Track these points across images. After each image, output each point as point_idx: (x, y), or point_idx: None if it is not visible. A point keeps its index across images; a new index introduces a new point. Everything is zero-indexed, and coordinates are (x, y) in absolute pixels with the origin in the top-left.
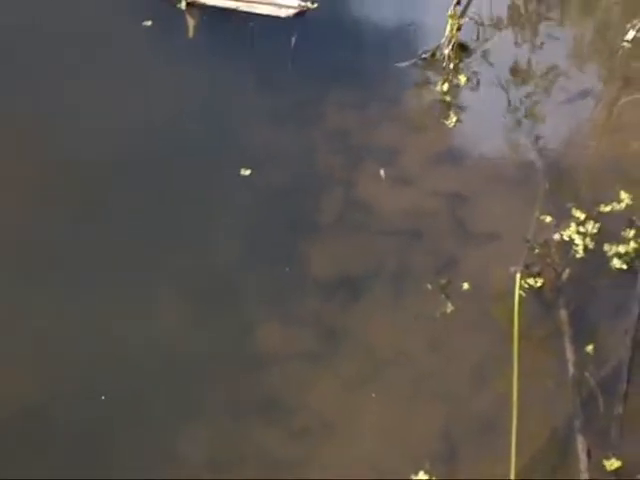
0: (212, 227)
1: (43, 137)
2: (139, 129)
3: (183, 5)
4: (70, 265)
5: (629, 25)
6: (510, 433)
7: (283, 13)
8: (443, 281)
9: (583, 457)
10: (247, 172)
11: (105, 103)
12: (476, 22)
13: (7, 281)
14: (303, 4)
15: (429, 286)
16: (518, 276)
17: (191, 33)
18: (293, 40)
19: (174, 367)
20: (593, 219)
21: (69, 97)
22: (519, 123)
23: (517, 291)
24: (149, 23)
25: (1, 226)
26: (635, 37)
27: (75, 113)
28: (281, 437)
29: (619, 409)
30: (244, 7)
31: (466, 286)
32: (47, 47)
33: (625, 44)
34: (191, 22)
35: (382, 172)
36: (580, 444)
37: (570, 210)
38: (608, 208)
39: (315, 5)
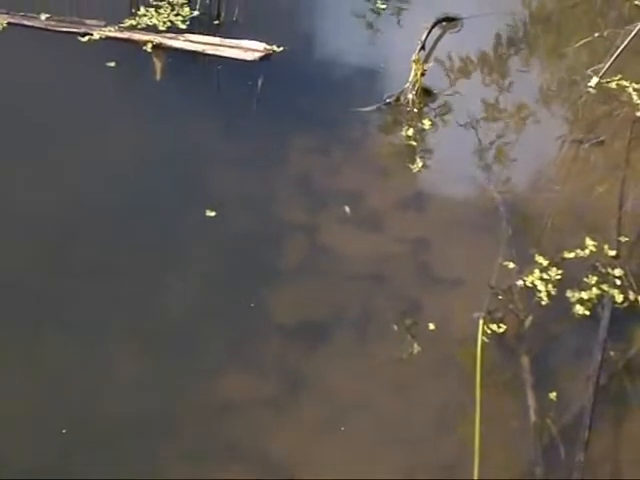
0: (176, 269)
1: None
2: (105, 172)
3: (149, 48)
4: (31, 311)
5: (591, 70)
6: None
7: (249, 56)
8: (407, 326)
9: None
10: (212, 214)
11: (68, 146)
12: (441, 66)
13: None
14: (269, 48)
15: (394, 329)
16: (481, 322)
17: (158, 75)
18: (259, 84)
19: (136, 413)
20: (556, 265)
21: (29, 141)
22: (483, 168)
23: (480, 337)
24: (112, 64)
25: None
26: (598, 83)
27: (38, 157)
28: None
29: (580, 456)
30: (210, 50)
31: (430, 331)
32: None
33: (589, 89)
34: (158, 64)
35: (347, 209)
36: None
37: (533, 256)
38: (571, 254)
39: (281, 49)
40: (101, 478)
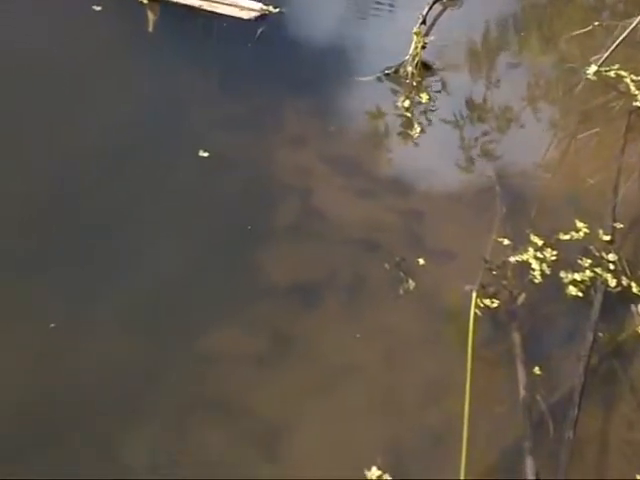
0: (166, 224)
1: None
2: (91, 121)
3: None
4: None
5: (590, 59)
6: (460, 452)
7: (245, 15)
8: (398, 294)
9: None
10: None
11: (53, 90)
12: (441, 42)
13: None
14: (265, 8)
15: (385, 296)
16: (474, 295)
17: (151, 27)
18: (254, 43)
19: (125, 369)
20: (550, 246)
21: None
22: (479, 146)
23: (472, 309)
24: (99, 8)
25: None
26: (597, 71)
27: (21, 107)
28: (225, 441)
29: (570, 434)
30: (207, 6)
31: (422, 300)
32: None
33: (588, 77)
34: (151, 16)
35: (332, 128)
36: (529, 466)
37: (528, 235)
38: (566, 237)
39: (277, 10)
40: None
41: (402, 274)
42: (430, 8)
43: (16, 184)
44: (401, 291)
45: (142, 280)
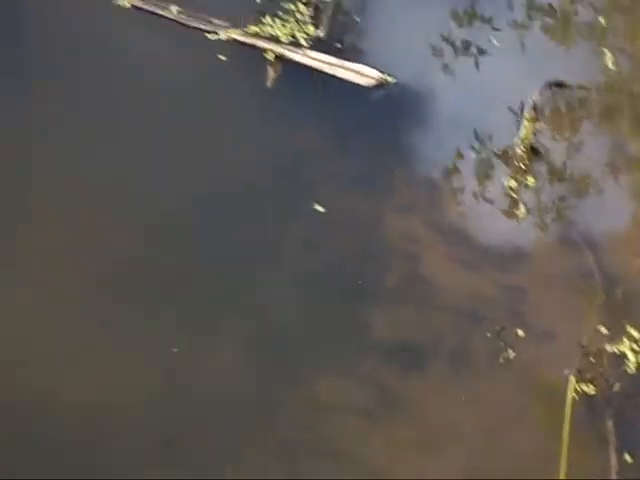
0: (283, 273)
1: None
2: (211, 169)
3: (270, 56)
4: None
5: None
6: None
7: (363, 82)
8: (498, 367)
9: None
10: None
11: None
12: (549, 129)
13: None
14: (383, 77)
15: (484, 367)
16: (572, 379)
17: (270, 83)
18: (369, 109)
19: (236, 411)
20: None
21: (130, 138)
22: (582, 232)
23: (570, 393)
24: (224, 58)
25: None
26: None
27: (139, 154)
28: None
29: None
30: (327, 69)
31: (520, 377)
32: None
33: None
34: (272, 73)
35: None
36: None
37: (625, 326)
38: None
39: (394, 80)
40: None
41: (502, 343)
42: (540, 94)
43: (146, 221)
44: (501, 360)
45: (259, 324)
